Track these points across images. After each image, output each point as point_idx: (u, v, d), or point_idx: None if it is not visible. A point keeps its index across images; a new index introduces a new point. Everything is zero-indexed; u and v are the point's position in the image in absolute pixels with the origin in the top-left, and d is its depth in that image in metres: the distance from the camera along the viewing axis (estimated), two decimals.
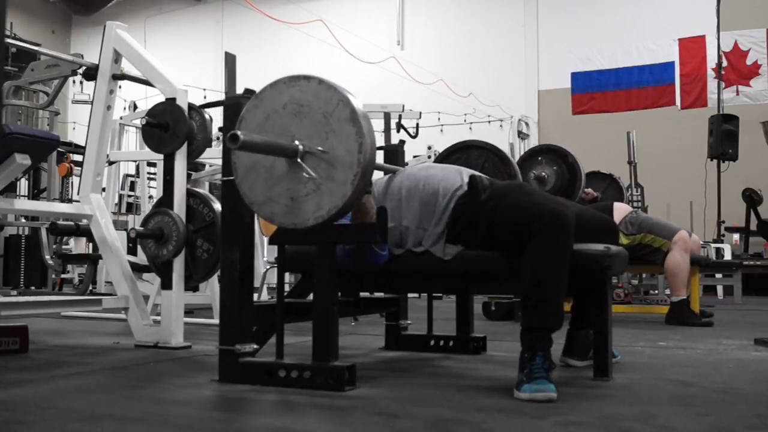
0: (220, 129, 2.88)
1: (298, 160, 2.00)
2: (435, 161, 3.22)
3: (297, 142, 2.00)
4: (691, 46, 11.33)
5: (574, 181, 4.00)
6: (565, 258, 2.12)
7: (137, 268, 3.73)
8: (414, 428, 1.68)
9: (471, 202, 2.33)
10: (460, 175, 2.41)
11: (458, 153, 3.12)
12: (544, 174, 4.00)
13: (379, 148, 3.79)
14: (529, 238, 2.12)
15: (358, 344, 3.35)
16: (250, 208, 2.15)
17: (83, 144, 3.56)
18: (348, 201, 1.97)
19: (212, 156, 4.01)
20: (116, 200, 7.14)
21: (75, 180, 6.48)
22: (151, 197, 6.94)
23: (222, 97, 4.15)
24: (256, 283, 4.41)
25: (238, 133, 1.86)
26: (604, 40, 11.76)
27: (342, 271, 2.27)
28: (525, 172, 4.07)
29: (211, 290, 4.43)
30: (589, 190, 5.20)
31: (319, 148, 1.98)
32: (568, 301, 3.18)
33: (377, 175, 2.70)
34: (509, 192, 2.35)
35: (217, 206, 3.07)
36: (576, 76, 11.99)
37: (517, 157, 9.84)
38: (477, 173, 2.47)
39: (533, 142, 11.74)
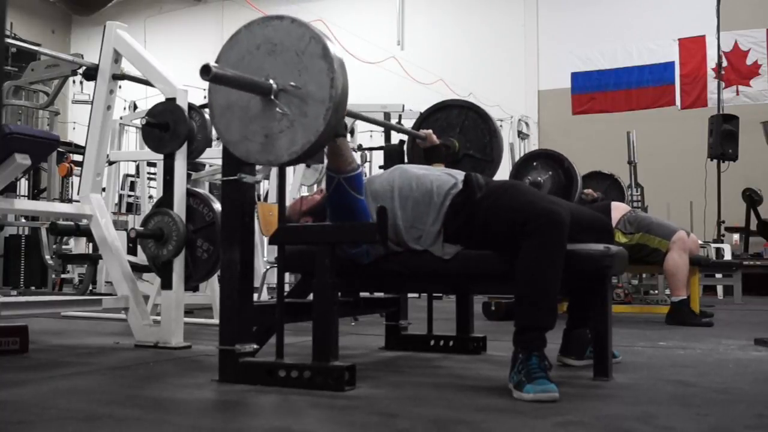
0: None
1: (272, 97, 2.01)
2: (415, 123, 3.20)
3: (271, 81, 2.01)
4: (691, 46, 11.33)
5: (570, 187, 3.98)
6: (559, 257, 2.13)
7: (137, 268, 3.74)
8: (414, 428, 1.68)
9: (466, 200, 2.33)
10: (453, 175, 2.41)
11: (438, 113, 3.12)
12: (539, 179, 3.98)
13: (379, 148, 3.81)
14: (524, 238, 2.12)
15: (358, 344, 3.35)
16: (249, 206, 2.16)
17: (83, 144, 3.56)
18: (321, 136, 1.97)
19: (212, 156, 4.01)
20: (116, 200, 7.15)
21: (75, 180, 6.48)
22: (151, 197, 6.94)
23: None
24: (256, 283, 4.41)
25: (211, 64, 1.88)
26: (604, 40, 11.75)
27: (342, 271, 2.27)
28: (521, 177, 4.05)
29: (211, 290, 4.43)
30: (589, 190, 5.18)
31: (292, 84, 1.99)
32: (564, 301, 3.20)
33: (377, 172, 2.70)
34: (504, 191, 2.35)
35: (217, 206, 3.06)
36: (576, 76, 11.99)
37: (517, 158, 9.86)
38: (472, 173, 2.46)
39: (533, 142, 11.76)
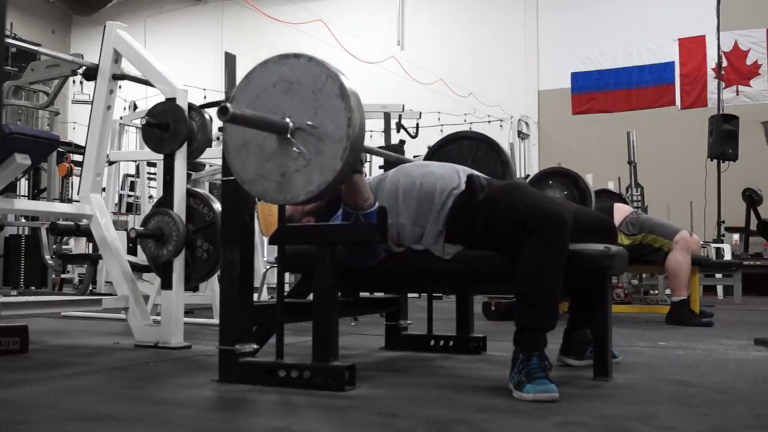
0: (220, 129, 2.88)
1: (288, 136, 2.01)
2: (426, 155, 3.20)
3: (287, 119, 2.01)
4: (691, 46, 11.34)
5: (584, 205, 3.97)
6: (561, 258, 2.12)
7: (137, 268, 3.73)
8: (414, 428, 1.68)
9: (469, 201, 2.33)
10: (457, 174, 2.40)
11: (450, 144, 3.11)
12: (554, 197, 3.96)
13: (379, 147, 3.80)
14: (526, 238, 2.12)
15: (358, 344, 3.35)
16: (248, 206, 2.16)
17: (83, 144, 3.56)
18: (338, 175, 1.97)
19: (212, 156, 4.02)
20: (116, 200, 7.14)
21: (75, 180, 6.47)
22: (151, 197, 6.93)
23: (222, 97, 4.16)
24: (256, 283, 4.41)
25: (228, 105, 1.87)
26: (604, 40, 11.76)
27: (342, 271, 2.27)
28: None
29: (211, 290, 4.43)
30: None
31: (309, 123, 1.99)
32: (565, 301, 3.20)
33: (377, 172, 2.70)
34: (507, 192, 2.35)
35: (217, 206, 3.06)
36: (576, 76, 11.99)
37: (516, 158, 9.87)
38: (475, 172, 2.46)
39: (533, 141, 11.78)
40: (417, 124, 7.17)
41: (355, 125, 1.95)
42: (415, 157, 7.33)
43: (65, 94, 8.28)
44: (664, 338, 3.70)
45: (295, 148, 1.99)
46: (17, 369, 2.52)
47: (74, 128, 11.99)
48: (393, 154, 2.79)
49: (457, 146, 3.07)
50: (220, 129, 2.90)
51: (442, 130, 11.46)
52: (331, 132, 1.96)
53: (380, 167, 3.60)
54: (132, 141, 7.79)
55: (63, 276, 7.01)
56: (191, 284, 3.27)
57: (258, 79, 2.09)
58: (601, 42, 11.79)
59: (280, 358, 2.20)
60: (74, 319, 4.47)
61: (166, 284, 3.11)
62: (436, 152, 3.12)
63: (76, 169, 6.51)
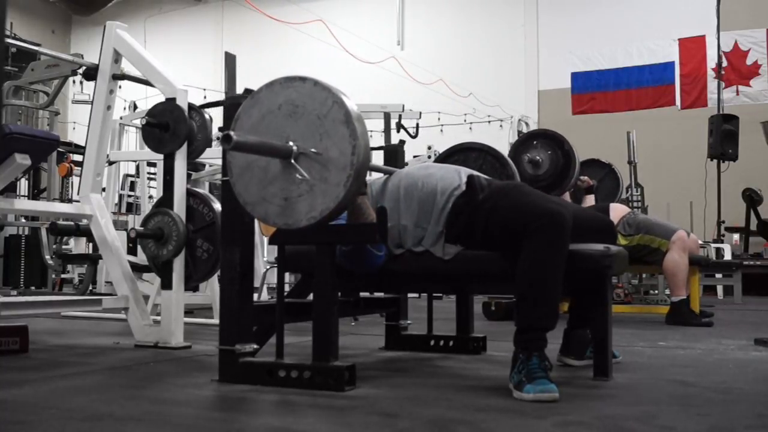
0: (220, 129, 2.88)
1: (292, 161, 2.00)
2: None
3: (291, 143, 2.01)
4: (691, 46, 11.34)
5: (567, 168, 3.92)
6: (561, 258, 2.12)
7: (137, 268, 3.73)
8: (414, 428, 1.68)
9: (469, 201, 2.33)
10: (458, 175, 2.41)
11: (456, 155, 3.12)
12: (538, 158, 3.90)
13: (379, 148, 3.80)
14: (526, 238, 2.12)
15: (358, 344, 3.35)
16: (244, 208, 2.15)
17: (83, 144, 3.56)
18: (341, 202, 1.97)
19: (212, 156, 4.02)
20: (116, 200, 7.14)
21: (75, 180, 6.47)
22: (151, 197, 6.93)
23: (222, 97, 4.15)
24: (256, 283, 4.41)
25: (232, 133, 1.87)
26: (604, 40, 11.76)
27: (342, 271, 2.27)
28: (519, 155, 3.98)
29: (211, 290, 4.43)
30: (585, 177, 5.14)
31: (313, 150, 1.99)
32: (565, 301, 3.20)
33: (375, 176, 2.70)
34: (507, 192, 2.35)
35: (217, 206, 3.07)
36: (576, 76, 11.99)
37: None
38: (476, 173, 2.47)
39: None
40: (417, 124, 7.16)
41: (360, 153, 1.95)
42: (414, 157, 7.36)
43: (65, 94, 8.29)
44: (664, 338, 3.70)
45: (298, 174, 1.99)
46: (17, 369, 2.52)
47: (74, 128, 11.99)
48: (394, 169, 2.79)
49: (463, 157, 3.09)
50: (220, 129, 2.90)
51: (442, 131, 11.49)
52: (335, 159, 1.96)
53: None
54: (132, 141, 7.79)
55: (63, 276, 7.01)
56: (191, 284, 3.27)
57: (263, 101, 2.08)
58: (601, 42, 11.80)
59: (280, 358, 2.20)
60: (74, 319, 4.47)
61: (166, 284, 3.11)
62: (443, 161, 3.14)
63: (76, 169, 6.51)
